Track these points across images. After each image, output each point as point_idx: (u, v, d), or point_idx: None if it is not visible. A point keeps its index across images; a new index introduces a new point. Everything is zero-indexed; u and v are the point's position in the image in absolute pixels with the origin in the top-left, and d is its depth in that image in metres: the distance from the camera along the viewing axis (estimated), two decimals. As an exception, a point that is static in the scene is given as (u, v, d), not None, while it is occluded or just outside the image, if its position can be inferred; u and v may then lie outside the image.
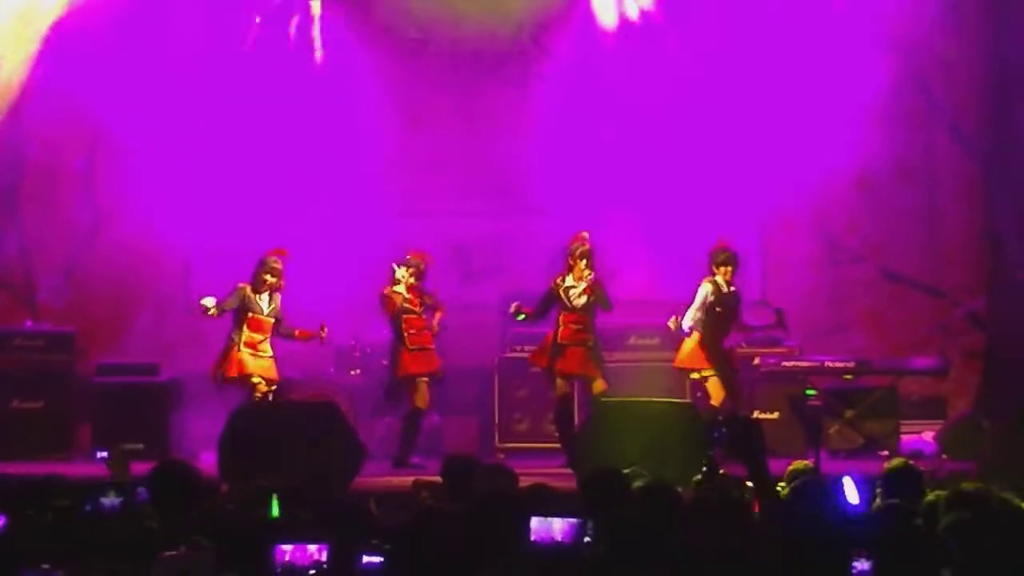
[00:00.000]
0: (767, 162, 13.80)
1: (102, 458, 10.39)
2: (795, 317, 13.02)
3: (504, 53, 14.31)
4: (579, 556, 5.61)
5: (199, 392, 12.36)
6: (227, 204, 13.72)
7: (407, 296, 11.70)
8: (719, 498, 6.45)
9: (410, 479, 8.50)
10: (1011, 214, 13.81)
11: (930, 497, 6.26)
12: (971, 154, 14.07)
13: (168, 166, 13.92)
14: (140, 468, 7.81)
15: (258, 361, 11.34)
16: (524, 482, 7.22)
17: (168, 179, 13.87)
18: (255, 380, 11.29)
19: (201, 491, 6.65)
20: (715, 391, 11.30)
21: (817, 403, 12.48)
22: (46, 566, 5.39)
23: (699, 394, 11.71)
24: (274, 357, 11.45)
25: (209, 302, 11.17)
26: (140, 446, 11.64)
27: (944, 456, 11.78)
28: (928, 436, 12.67)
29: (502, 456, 12.36)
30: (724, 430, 8.18)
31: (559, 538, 5.62)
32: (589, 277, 11.35)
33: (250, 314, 11.34)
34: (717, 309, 11.32)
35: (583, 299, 11.41)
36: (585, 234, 11.50)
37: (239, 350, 11.30)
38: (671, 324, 11.38)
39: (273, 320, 11.43)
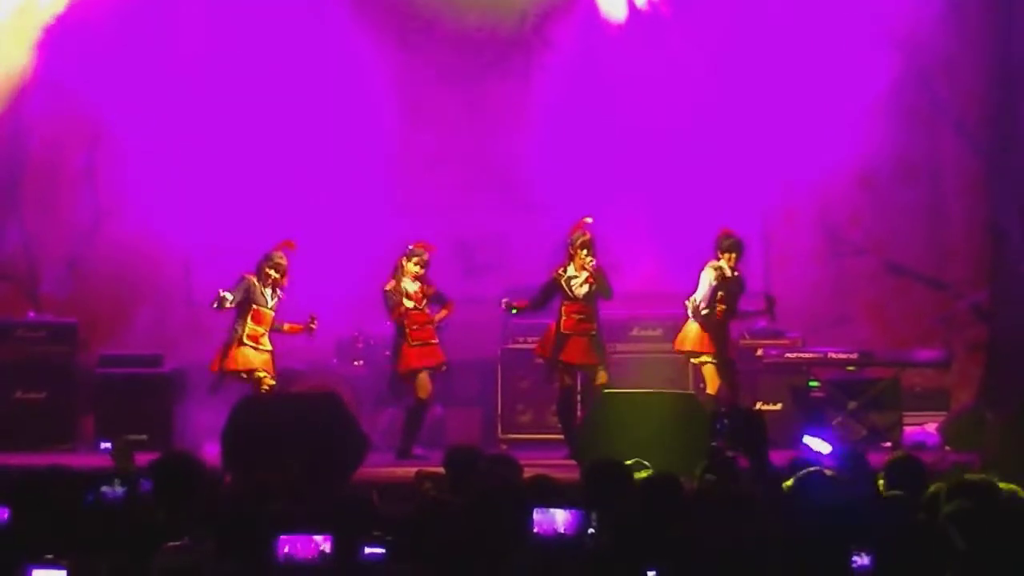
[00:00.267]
0: (771, 156, 13.79)
1: (106, 449, 10.41)
2: (799, 310, 13.04)
3: (507, 45, 14.31)
4: (582, 547, 5.61)
5: (202, 383, 12.36)
6: (228, 198, 13.70)
7: (414, 288, 11.66)
8: (722, 489, 6.46)
9: (413, 470, 8.50)
10: (1014, 209, 13.80)
11: (931, 489, 6.27)
12: (975, 150, 14.06)
13: (169, 160, 13.92)
14: (143, 459, 7.82)
15: (259, 356, 11.33)
16: (527, 474, 7.23)
17: (169, 173, 13.88)
18: (260, 374, 11.27)
19: (204, 483, 6.66)
20: (711, 377, 11.25)
21: (820, 395, 12.51)
22: (49, 557, 5.39)
23: (701, 385, 11.71)
24: (272, 352, 11.43)
25: (229, 295, 11.14)
26: (143, 437, 11.62)
27: (947, 448, 11.79)
28: (931, 428, 12.67)
29: (505, 447, 12.37)
30: (726, 421, 8.19)
31: (562, 530, 5.63)
32: (591, 264, 11.33)
33: (254, 306, 11.31)
34: (720, 294, 11.29)
35: (585, 288, 11.40)
36: (588, 219, 11.47)
37: (242, 343, 11.28)
38: (688, 305, 11.29)
39: (274, 313, 11.41)
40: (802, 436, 6.77)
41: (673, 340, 11.74)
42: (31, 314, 13.64)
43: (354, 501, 6.34)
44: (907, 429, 12.56)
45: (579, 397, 11.86)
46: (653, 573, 5.26)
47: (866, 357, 12.78)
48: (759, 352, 12.75)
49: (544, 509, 5.66)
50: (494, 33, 14.21)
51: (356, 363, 13.35)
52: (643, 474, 6.98)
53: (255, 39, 14.05)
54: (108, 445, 10.16)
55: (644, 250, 13.79)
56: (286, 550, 5.49)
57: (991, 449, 9.96)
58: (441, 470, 7.81)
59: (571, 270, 11.43)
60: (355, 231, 13.75)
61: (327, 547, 5.50)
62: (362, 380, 13.08)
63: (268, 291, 11.35)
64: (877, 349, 13.07)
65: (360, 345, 13.35)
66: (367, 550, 5.54)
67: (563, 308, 11.46)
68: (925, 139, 14.13)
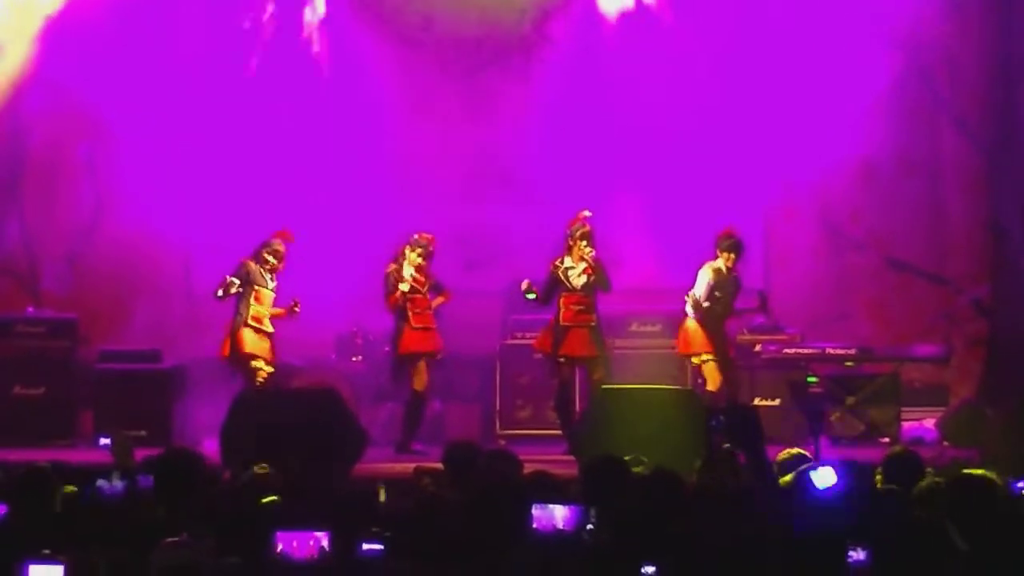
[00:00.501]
0: (772, 153, 13.79)
1: (105, 445, 10.40)
2: (800, 306, 13.04)
3: (507, 41, 14.30)
4: (581, 543, 5.61)
5: (202, 379, 12.37)
6: (228, 194, 13.71)
7: (415, 276, 11.67)
8: (720, 485, 6.45)
9: (412, 465, 8.50)
10: (1014, 205, 13.81)
11: (924, 483, 6.25)
12: (975, 147, 14.06)
13: (169, 156, 13.91)
14: (142, 455, 7.82)
15: (260, 342, 11.36)
16: (526, 469, 7.23)
17: (169, 169, 13.87)
18: (255, 364, 11.30)
19: (204, 479, 6.66)
20: (712, 376, 11.27)
21: (818, 390, 12.50)
22: (47, 552, 5.39)
23: (700, 380, 11.71)
24: (274, 335, 11.45)
25: (236, 280, 11.20)
26: (142, 433, 11.63)
27: (945, 443, 11.78)
28: (929, 423, 12.67)
29: (504, 443, 12.37)
30: (722, 417, 8.18)
31: (561, 525, 5.63)
32: (590, 255, 11.32)
33: (255, 287, 11.37)
34: (716, 293, 11.30)
35: (583, 279, 11.40)
36: (586, 213, 11.47)
37: (245, 325, 11.32)
38: (688, 299, 11.31)
39: (274, 295, 11.45)
40: (807, 471, 6.66)
41: (672, 336, 11.75)
42: (31, 310, 13.63)
43: (353, 497, 6.34)
44: (905, 424, 12.57)
45: (578, 392, 11.87)
46: (652, 569, 5.26)
47: (864, 352, 12.79)
48: (757, 348, 12.75)
49: (543, 505, 5.65)
50: (494, 30, 14.20)
51: (355, 359, 13.36)
52: (639, 469, 6.96)
53: (255, 36, 14.05)
54: (107, 441, 10.14)
55: (644, 246, 13.79)
56: (284, 546, 5.48)
57: (991, 445, 9.97)
58: (440, 466, 7.81)
59: (568, 261, 11.43)
60: (355, 227, 13.74)
61: (325, 543, 5.50)
62: (361, 376, 13.09)
63: (267, 275, 11.41)
64: (877, 345, 13.07)
65: (359, 341, 13.35)
66: (365, 546, 5.54)
67: (562, 300, 11.46)
68: (926, 136, 14.14)
